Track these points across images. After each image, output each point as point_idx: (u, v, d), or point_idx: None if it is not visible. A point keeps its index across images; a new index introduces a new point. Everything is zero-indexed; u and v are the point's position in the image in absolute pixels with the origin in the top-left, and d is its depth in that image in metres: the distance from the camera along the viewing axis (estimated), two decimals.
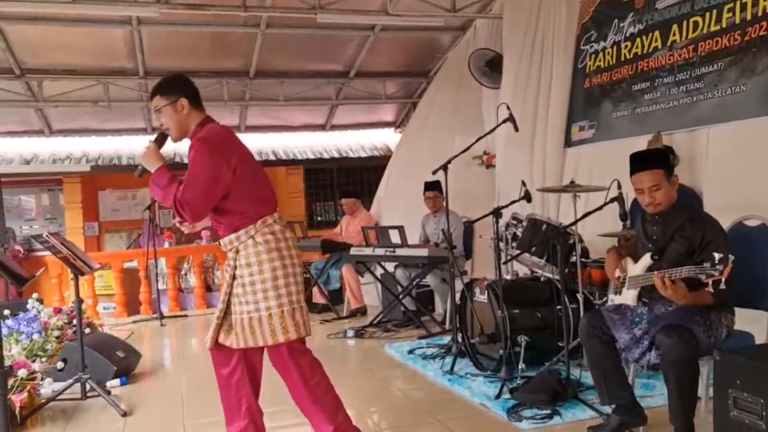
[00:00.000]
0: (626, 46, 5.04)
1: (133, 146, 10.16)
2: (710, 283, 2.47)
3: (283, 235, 2.80)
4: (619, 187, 3.46)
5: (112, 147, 10.15)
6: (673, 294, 2.62)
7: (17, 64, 7.34)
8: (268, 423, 3.31)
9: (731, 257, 2.43)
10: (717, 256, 2.43)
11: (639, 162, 2.92)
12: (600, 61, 5.33)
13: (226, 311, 2.83)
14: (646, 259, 2.89)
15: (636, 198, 3.05)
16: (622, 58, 5.08)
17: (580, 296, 3.97)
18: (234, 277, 2.79)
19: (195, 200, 2.67)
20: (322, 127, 10.36)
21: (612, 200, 3.46)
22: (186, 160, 2.98)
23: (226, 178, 2.71)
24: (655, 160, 2.90)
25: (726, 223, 3.15)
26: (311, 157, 10.91)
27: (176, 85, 2.83)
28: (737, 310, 2.86)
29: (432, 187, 5.92)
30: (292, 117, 9.89)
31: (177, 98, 2.78)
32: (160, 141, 2.85)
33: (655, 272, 2.67)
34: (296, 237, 6.04)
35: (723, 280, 2.44)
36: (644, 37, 4.85)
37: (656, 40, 4.74)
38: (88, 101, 8.16)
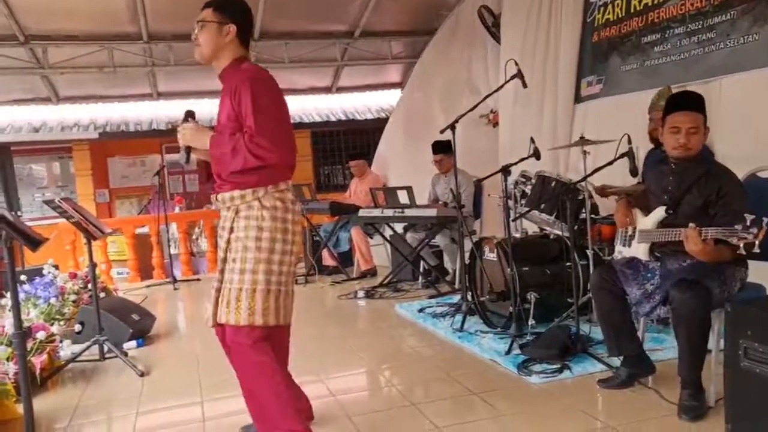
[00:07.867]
0: None
1: (140, 112, 10.15)
2: (741, 245, 2.36)
3: (293, 206, 2.51)
4: (629, 141, 3.42)
5: (119, 113, 10.13)
6: (702, 251, 2.52)
7: (21, 31, 7.27)
8: None
9: (765, 219, 2.32)
10: (749, 217, 2.34)
11: (684, 101, 2.82)
12: (609, 13, 5.22)
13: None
14: (659, 213, 2.83)
15: (657, 145, 2.95)
16: (632, 10, 4.96)
17: (589, 252, 3.96)
18: (229, 242, 2.44)
19: (274, 133, 2.35)
20: (327, 90, 10.24)
21: (622, 155, 3.43)
22: None
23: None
24: (699, 104, 2.80)
25: (739, 175, 3.12)
26: (317, 120, 10.83)
27: (235, 10, 2.55)
28: (749, 263, 2.84)
29: (437, 150, 5.87)
30: (297, 80, 9.77)
31: (227, 22, 2.51)
32: (192, 117, 2.59)
33: (690, 225, 2.53)
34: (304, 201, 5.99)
35: (757, 243, 2.33)
36: None
37: None
38: (94, 67, 8.11)
